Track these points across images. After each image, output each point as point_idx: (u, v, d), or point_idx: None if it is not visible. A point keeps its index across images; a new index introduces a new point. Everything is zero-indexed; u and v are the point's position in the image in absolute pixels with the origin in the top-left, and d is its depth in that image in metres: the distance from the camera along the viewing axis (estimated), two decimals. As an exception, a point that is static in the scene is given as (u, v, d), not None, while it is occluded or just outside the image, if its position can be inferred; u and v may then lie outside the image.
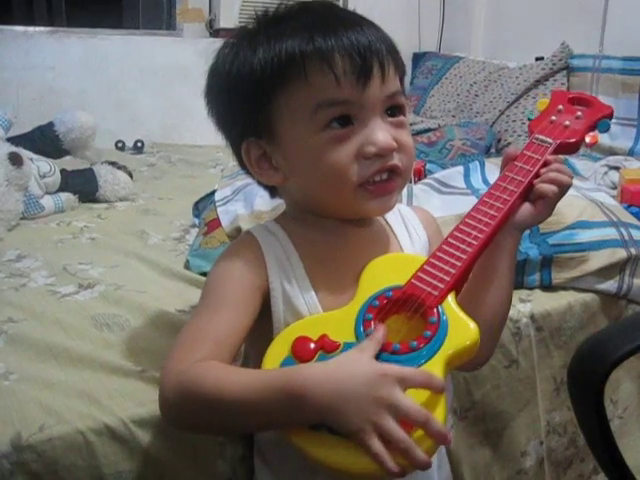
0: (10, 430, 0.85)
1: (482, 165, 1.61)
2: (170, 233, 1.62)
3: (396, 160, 0.81)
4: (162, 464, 0.90)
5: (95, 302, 1.19)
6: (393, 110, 0.83)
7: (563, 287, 1.33)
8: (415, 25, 3.39)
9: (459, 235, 0.83)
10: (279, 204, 1.36)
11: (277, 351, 0.76)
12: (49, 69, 2.76)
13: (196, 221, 1.65)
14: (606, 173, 1.98)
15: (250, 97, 0.81)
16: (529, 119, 0.95)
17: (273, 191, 0.93)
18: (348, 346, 0.74)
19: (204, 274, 1.31)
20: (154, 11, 3.15)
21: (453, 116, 2.81)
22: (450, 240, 0.83)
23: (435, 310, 0.76)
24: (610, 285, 1.33)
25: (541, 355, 1.28)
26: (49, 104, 2.69)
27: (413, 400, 0.66)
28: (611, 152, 2.23)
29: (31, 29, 2.79)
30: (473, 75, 2.90)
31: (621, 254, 1.32)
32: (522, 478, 1.29)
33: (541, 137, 0.92)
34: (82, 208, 1.87)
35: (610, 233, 1.35)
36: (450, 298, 0.78)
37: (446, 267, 0.80)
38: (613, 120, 0.98)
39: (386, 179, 0.81)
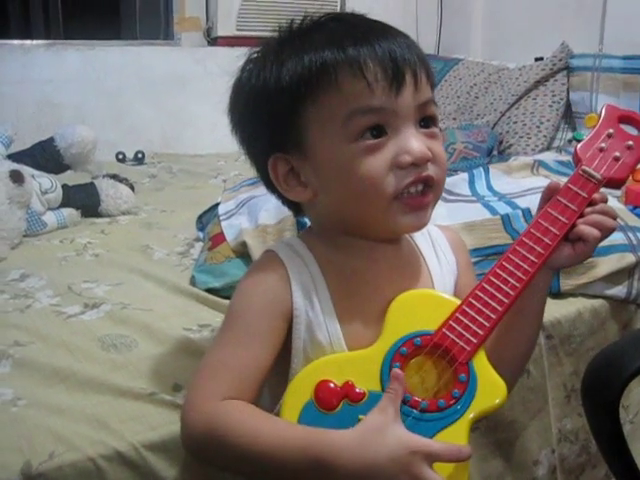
0: (20, 459, 0.84)
1: (486, 171, 1.60)
2: (174, 247, 1.61)
3: (431, 171, 0.78)
4: (174, 489, 0.89)
5: (101, 322, 1.19)
6: (426, 121, 0.80)
7: (572, 294, 1.32)
8: (413, 27, 3.37)
9: (495, 281, 0.78)
10: (284, 218, 1.35)
11: (298, 393, 0.75)
12: (47, 82, 2.75)
13: (200, 235, 1.64)
14: (610, 174, 1.96)
15: (277, 109, 0.79)
16: (576, 139, 0.89)
17: (298, 209, 0.89)
18: (373, 396, 0.74)
19: (210, 290, 1.31)
20: (151, 21, 3.14)
21: (454, 119, 2.80)
22: (485, 286, 0.78)
23: (466, 367, 0.75)
24: (619, 290, 1.33)
25: (551, 363, 1.27)
26: (48, 117, 2.69)
27: (440, 475, 0.68)
28: (614, 152, 2.22)
29: (28, 42, 2.79)
30: (473, 77, 2.89)
31: (629, 259, 1.32)
32: (535, 487, 1.28)
33: (589, 170, 0.83)
34: (85, 223, 1.86)
35: (618, 237, 1.34)
36: (484, 355, 0.76)
37: (480, 319, 0.76)
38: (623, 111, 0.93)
39: (421, 192, 0.78)
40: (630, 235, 1.35)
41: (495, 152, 2.42)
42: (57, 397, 0.96)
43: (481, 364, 0.75)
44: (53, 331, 1.15)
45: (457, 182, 1.56)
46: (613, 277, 1.32)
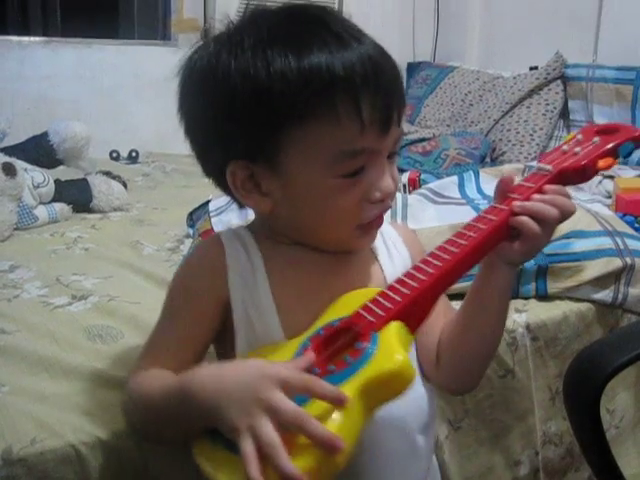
0: (1, 443, 0.83)
1: (476, 175, 1.61)
2: (164, 243, 1.62)
3: (390, 200, 0.79)
4: (155, 477, 0.89)
5: (88, 313, 1.19)
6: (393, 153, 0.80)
7: (558, 297, 1.33)
8: (409, 35, 3.39)
9: (420, 265, 0.74)
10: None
11: None
12: (44, 79, 2.76)
13: (190, 231, 1.64)
14: (600, 182, 1.98)
15: (259, 119, 0.72)
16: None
17: (240, 205, 0.86)
18: None
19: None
20: (149, 21, 3.15)
21: (448, 125, 2.81)
22: (410, 270, 0.75)
23: (368, 337, 0.69)
24: (605, 295, 1.33)
25: (536, 365, 1.27)
26: (44, 114, 2.69)
27: (294, 404, 0.61)
28: (605, 161, 2.23)
29: (26, 39, 2.80)
30: (467, 84, 2.91)
31: (616, 263, 1.32)
32: (516, 488, 1.29)
33: (542, 166, 0.81)
34: (76, 218, 1.87)
35: (605, 242, 1.35)
36: (394, 327, 0.70)
37: (394, 296, 0.72)
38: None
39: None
40: (617, 240, 1.36)
41: (488, 159, 2.44)
42: (41, 384, 0.96)
43: (387, 337, 0.68)
44: (39, 321, 1.15)
45: (447, 185, 1.57)
46: (600, 281, 1.32)
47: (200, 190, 2.13)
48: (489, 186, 1.60)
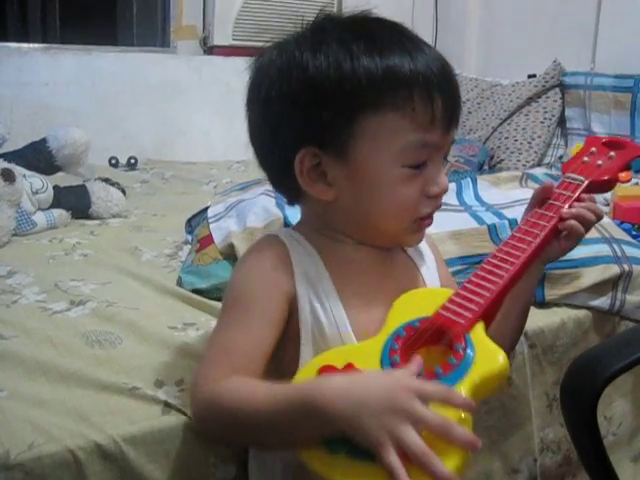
0: (-2, 448, 0.84)
1: (474, 182, 1.62)
2: (163, 250, 1.62)
3: (441, 200, 0.85)
4: (152, 483, 0.89)
5: (87, 319, 1.18)
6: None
7: (556, 303, 1.33)
8: (408, 43, 3.40)
9: (488, 267, 0.83)
10: (272, 221, 1.36)
11: (302, 381, 0.74)
12: (43, 85, 2.76)
13: (189, 238, 1.64)
14: (599, 190, 1.98)
15: (338, 105, 0.76)
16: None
17: (293, 198, 0.89)
18: None
19: (196, 291, 1.31)
20: (148, 28, 3.16)
21: (446, 133, 2.82)
22: (479, 272, 0.82)
23: (462, 338, 0.75)
24: (603, 302, 1.33)
25: (534, 372, 1.27)
26: (43, 120, 2.69)
27: (435, 413, 0.64)
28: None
29: (25, 46, 2.80)
30: (466, 92, 2.91)
31: (614, 270, 1.33)
32: (514, 496, 1.28)
33: (573, 175, 0.95)
34: (74, 224, 1.86)
35: (603, 249, 1.35)
36: (479, 328, 0.77)
37: (474, 297, 0.79)
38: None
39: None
40: (615, 247, 1.36)
41: (486, 167, 2.45)
42: (39, 389, 0.96)
43: (479, 337, 0.76)
44: (38, 326, 1.14)
45: (445, 192, 1.57)
46: (597, 288, 1.32)
47: (198, 197, 2.14)
48: (487, 193, 1.61)
